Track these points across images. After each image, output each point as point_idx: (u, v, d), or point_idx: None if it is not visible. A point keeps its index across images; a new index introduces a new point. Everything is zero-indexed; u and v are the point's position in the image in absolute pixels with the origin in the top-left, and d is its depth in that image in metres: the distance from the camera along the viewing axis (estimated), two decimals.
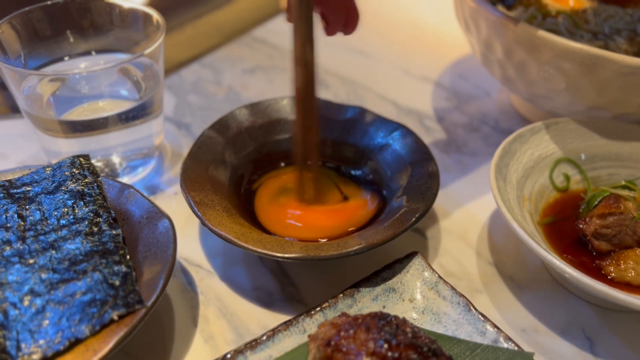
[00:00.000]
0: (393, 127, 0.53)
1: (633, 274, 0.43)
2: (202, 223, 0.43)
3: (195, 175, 0.47)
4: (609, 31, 0.58)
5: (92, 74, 0.48)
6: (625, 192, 0.47)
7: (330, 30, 0.45)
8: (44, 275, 0.38)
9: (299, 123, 0.47)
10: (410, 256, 0.44)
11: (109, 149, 0.52)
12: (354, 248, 0.41)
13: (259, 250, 0.41)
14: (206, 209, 0.44)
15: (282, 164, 0.55)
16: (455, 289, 0.42)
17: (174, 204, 0.54)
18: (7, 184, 0.45)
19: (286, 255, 0.40)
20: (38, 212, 0.43)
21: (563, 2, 0.65)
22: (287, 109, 0.55)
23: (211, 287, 0.46)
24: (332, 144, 0.55)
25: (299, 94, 0.45)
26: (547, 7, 0.64)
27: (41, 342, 0.35)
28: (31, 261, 0.39)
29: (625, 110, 0.54)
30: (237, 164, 0.52)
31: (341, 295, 0.41)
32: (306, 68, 0.43)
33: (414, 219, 0.43)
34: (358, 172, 0.54)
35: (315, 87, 0.45)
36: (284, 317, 0.43)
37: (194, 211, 0.43)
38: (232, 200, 0.48)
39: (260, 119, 0.54)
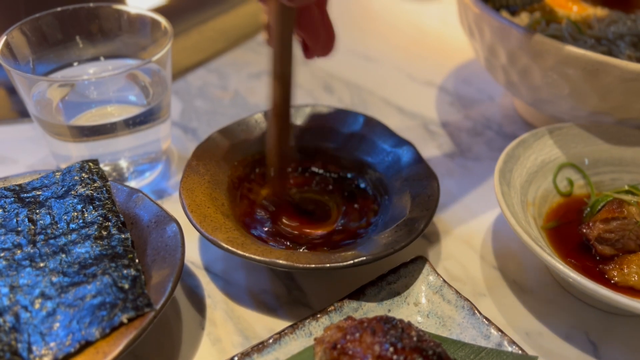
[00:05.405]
0: (413, 158, 0.51)
1: (636, 278, 0.44)
2: (182, 206, 0.45)
3: (202, 164, 0.49)
4: (612, 37, 0.59)
5: (101, 80, 0.49)
6: (628, 197, 0.47)
7: (309, 54, 0.45)
8: (54, 279, 0.39)
9: (274, 136, 0.47)
10: (415, 260, 0.45)
11: (116, 154, 0.53)
12: (306, 266, 0.41)
13: (220, 243, 0.42)
14: (192, 194, 0.46)
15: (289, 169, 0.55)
16: (459, 293, 0.42)
17: (181, 208, 0.54)
18: (17, 188, 0.45)
19: (240, 253, 0.41)
20: (48, 216, 0.43)
21: (566, 8, 0.66)
22: (310, 116, 0.56)
23: (218, 290, 0.47)
24: (336, 158, 0.55)
25: (275, 109, 0.45)
26: (550, 13, 0.65)
27: (52, 344, 0.36)
28: (42, 264, 0.40)
29: (628, 115, 0.54)
30: (247, 163, 0.53)
31: (347, 299, 0.42)
32: (283, 84, 0.44)
33: (385, 253, 0.42)
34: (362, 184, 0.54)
35: (291, 102, 0.46)
36: (290, 321, 0.44)
37: (180, 195, 0.46)
38: (229, 195, 0.49)
39: None
